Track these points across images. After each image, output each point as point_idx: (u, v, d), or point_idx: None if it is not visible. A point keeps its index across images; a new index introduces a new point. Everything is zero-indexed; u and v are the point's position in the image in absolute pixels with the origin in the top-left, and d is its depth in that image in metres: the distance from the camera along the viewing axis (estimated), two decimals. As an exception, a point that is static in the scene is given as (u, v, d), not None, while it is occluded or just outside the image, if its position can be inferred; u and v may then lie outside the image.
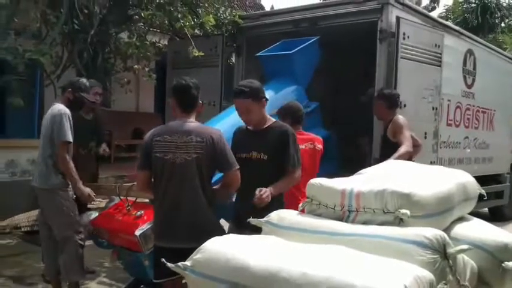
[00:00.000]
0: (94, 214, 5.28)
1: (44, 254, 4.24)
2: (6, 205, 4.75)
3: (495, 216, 8.27)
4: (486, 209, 8.39)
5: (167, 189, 2.91)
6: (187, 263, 2.16)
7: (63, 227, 3.99)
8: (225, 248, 2.15)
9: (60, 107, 3.99)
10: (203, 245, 2.21)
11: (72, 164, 3.92)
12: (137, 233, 3.50)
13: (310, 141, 4.03)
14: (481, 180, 6.91)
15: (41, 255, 4.65)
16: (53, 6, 5.31)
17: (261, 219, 2.62)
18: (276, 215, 2.60)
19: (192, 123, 2.96)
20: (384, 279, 1.78)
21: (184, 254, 2.63)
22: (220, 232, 2.89)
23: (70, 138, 3.89)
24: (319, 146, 4.04)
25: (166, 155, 2.87)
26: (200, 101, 3.07)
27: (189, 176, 2.86)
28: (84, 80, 4.30)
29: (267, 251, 2.10)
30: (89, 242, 5.43)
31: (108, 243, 4.14)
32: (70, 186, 4.02)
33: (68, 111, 3.95)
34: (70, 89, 4.12)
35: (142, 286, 4.08)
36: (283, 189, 3.17)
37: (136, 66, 6.46)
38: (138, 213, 3.66)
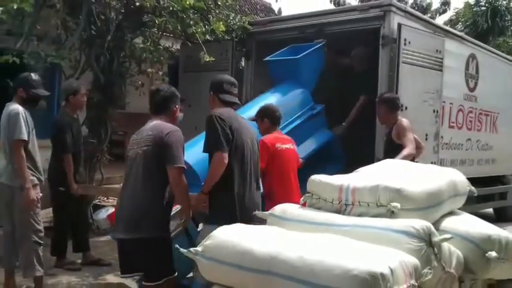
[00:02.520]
0: (110, 210, 5.57)
1: (4, 247, 4.19)
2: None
3: (500, 217, 8.41)
4: (491, 210, 8.54)
5: (123, 182, 3.10)
6: (199, 248, 2.41)
7: (22, 224, 4.03)
8: (232, 235, 2.41)
9: (13, 107, 3.98)
10: (212, 232, 2.47)
11: (25, 163, 3.91)
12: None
13: (291, 142, 4.27)
14: (486, 181, 7.15)
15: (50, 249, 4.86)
16: (73, 14, 5.55)
17: (265, 212, 2.88)
18: (279, 208, 2.86)
19: (153, 121, 3.07)
20: (371, 261, 2.01)
21: (127, 245, 2.94)
22: (159, 226, 2.97)
23: (25, 136, 3.90)
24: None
25: (129, 151, 3.08)
26: (176, 106, 3.19)
27: (138, 169, 2.96)
28: (33, 76, 4.17)
29: (268, 238, 2.35)
30: (106, 237, 5.72)
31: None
32: (37, 185, 4.06)
33: (21, 109, 3.96)
34: (21, 88, 4.05)
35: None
36: (209, 180, 3.13)
37: (150, 69, 6.70)
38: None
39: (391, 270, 1.97)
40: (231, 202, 3.14)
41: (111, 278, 4.81)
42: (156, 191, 2.97)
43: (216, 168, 3.10)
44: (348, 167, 5.06)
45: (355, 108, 5.83)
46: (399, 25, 5.09)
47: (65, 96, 4.95)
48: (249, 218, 3.01)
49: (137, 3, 5.52)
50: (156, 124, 3.04)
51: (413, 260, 2.18)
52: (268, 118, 4.16)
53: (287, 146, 4.16)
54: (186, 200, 3.10)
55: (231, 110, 3.33)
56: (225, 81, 3.38)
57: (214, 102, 3.34)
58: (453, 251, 2.53)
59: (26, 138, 3.92)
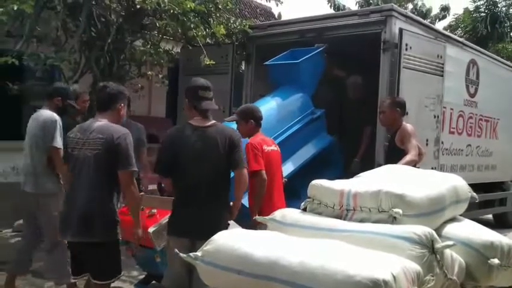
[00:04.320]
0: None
1: (20, 253, 4.25)
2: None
3: (499, 223, 8.39)
4: (491, 216, 8.52)
5: (73, 183, 3.09)
6: (198, 253, 2.39)
7: (54, 231, 3.95)
8: (232, 240, 2.38)
9: (50, 114, 4.10)
10: (212, 237, 2.44)
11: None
12: (150, 230, 3.74)
13: (274, 144, 4.20)
14: (485, 187, 7.14)
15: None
16: (73, 16, 5.54)
17: (265, 217, 2.85)
18: (279, 213, 2.83)
19: (100, 122, 3.07)
20: (374, 268, 1.98)
21: (79, 248, 3.01)
22: (112, 229, 3.03)
23: (60, 145, 3.97)
24: None
25: (74, 150, 3.05)
26: (121, 104, 3.19)
27: (88, 172, 2.97)
28: (70, 87, 4.38)
29: (269, 243, 2.32)
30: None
31: (122, 241, 4.35)
32: (62, 190, 4.04)
33: (58, 118, 4.07)
34: (60, 98, 4.22)
35: (154, 282, 4.31)
36: None
37: (150, 72, 6.68)
38: (152, 211, 3.90)
39: (394, 277, 1.94)
40: (171, 216, 3.32)
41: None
42: (108, 195, 3.03)
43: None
44: (348, 172, 5.09)
45: (363, 141, 5.83)
46: (400, 30, 5.08)
47: None
48: (182, 233, 3.14)
49: (138, 6, 5.50)
50: (104, 126, 3.04)
51: (415, 267, 2.15)
52: (254, 119, 4.06)
53: (272, 147, 4.08)
54: (137, 208, 3.16)
55: (188, 126, 3.28)
56: (200, 86, 3.30)
57: (190, 110, 3.31)
58: (455, 258, 2.50)
59: (62, 147, 3.96)
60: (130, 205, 3.14)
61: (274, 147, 4.12)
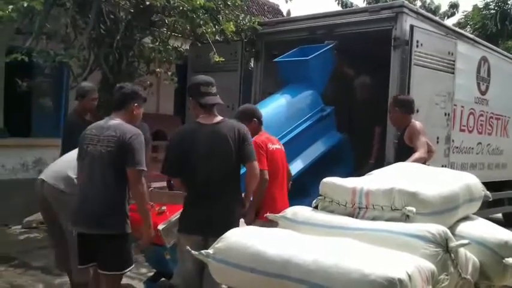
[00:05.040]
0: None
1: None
2: (34, 201, 4.94)
3: (509, 222, 8.31)
4: (500, 215, 8.44)
5: (85, 178, 3.13)
6: (210, 251, 2.37)
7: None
8: (244, 237, 2.36)
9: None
10: (224, 235, 2.42)
11: None
12: (160, 227, 3.72)
13: (278, 142, 4.15)
14: (496, 186, 7.06)
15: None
16: (82, 13, 5.54)
17: (276, 215, 2.83)
18: (290, 211, 2.81)
19: (115, 120, 3.14)
20: (388, 266, 1.96)
21: (89, 239, 3.03)
22: (125, 222, 3.06)
23: None
24: None
25: (89, 146, 3.10)
26: (134, 104, 3.21)
27: (102, 168, 3.03)
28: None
29: (281, 241, 2.30)
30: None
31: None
32: None
33: None
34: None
35: (163, 279, 4.30)
36: None
37: (158, 69, 6.67)
38: (162, 208, 3.89)
39: (409, 276, 1.92)
40: (181, 214, 3.32)
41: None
42: (120, 190, 3.08)
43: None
44: (358, 169, 5.06)
45: (375, 142, 5.80)
46: (411, 27, 5.04)
47: (75, 98, 4.96)
48: (193, 230, 3.14)
49: (147, 3, 5.50)
50: (118, 125, 3.10)
51: (430, 266, 2.12)
52: (256, 118, 4.02)
53: (276, 146, 4.04)
54: (144, 207, 3.13)
55: (196, 124, 3.27)
56: (201, 83, 3.29)
57: (196, 108, 3.30)
58: (469, 257, 2.47)
59: None
60: (137, 204, 3.14)
61: (279, 146, 4.09)
